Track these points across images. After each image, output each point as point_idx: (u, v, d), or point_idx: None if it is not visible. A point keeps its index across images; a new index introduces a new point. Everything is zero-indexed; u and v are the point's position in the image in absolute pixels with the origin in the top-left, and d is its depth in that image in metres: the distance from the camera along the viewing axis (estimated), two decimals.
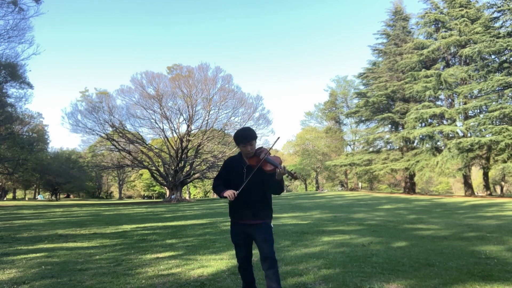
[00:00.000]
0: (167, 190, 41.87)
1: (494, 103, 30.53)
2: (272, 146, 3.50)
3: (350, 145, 54.26)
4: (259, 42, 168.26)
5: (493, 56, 32.51)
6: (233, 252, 6.25)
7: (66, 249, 6.97)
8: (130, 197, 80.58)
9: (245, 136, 3.27)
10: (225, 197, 3.17)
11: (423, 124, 35.91)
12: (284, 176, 3.21)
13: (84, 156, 59.40)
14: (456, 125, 34.02)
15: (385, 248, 6.62)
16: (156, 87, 37.84)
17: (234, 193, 3.13)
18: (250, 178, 3.17)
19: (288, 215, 14.35)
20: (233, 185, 3.28)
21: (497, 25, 32.94)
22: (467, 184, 34.44)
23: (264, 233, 3.24)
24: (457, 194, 48.84)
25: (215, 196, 73.33)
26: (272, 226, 3.38)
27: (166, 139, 39.60)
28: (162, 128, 39.14)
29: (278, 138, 3.64)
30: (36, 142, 46.36)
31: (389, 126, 42.51)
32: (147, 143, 41.22)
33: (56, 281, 4.46)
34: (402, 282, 4.24)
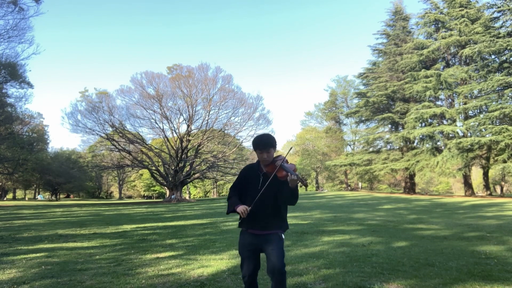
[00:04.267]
0: (167, 190, 41.86)
1: (494, 103, 30.52)
2: (287, 154, 3.40)
3: (350, 145, 54.25)
4: (259, 42, 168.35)
5: (493, 56, 32.50)
6: (233, 252, 6.28)
7: (66, 249, 6.97)
8: (130, 197, 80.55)
9: (264, 143, 3.11)
10: (237, 213, 3.06)
11: (423, 124, 35.90)
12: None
13: (84, 156, 59.41)
14: (456, 125, 34.01)
15: (385, 248, 6.62)
16: (156, 87, 37.88)
17: (247, 209, 3.01)
18: (265, 188, 3.04)
19: (288, 215, 14.32)
20: (249, 193, 3.17)
21: (497, 25, 32.94)
22: (467, 184, 34.44)
23: (273, 245, 3.08)
24: (457, 194, 48.84)
25: (215, 196, 73.38)
26: (283, 237, 3.23)
27: (166, 139, 39.60)
28: (162, 128, 39.21)
29: (291, 148, 3.61)
30: (36, 142, 46.32)
31: (389, 126, 42.50)
32: (147, 143, 41.21)
33: (56, 281, 4.46)
34: (402, 282, 4.24)
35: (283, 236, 3.22)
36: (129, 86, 38.14)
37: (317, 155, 60.12)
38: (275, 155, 3.25)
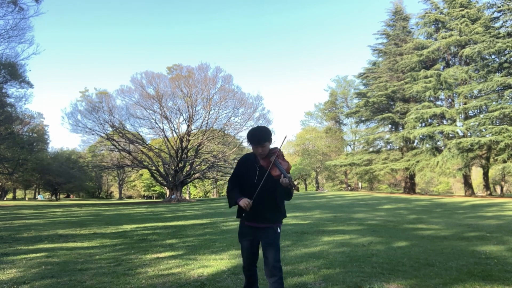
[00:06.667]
0: (167, 190, 41.86)
1: (494, 103, 30.53)
2: (281, 146, 3.33)
3: (350, 145, 54.25)
4: (259, 42, 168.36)
5: (493, 56, 32.50)
6: (233, 252, 6.28)
7: (66, 249, 6.97)
8: (130, 197, 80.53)
9: (257, 137, 3.08)
10: (240, 206, 3.05)
11: (423, 124, 35.90)
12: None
13: (84, 156, 59.37)
14: (456, 125, 34.02)
15: (385, 248, 6.62)
16: (156, 87, 37.86)
17: (250, 203, 2.98)
18: (262, 183, 3.01)
19: (288, 215, 14.29)
20: (246, 185, 3.15)
21: (497, 25, 32.94)
22: (467, 184, 34.44)
23: (269, 239, 3.09)
24: (457, 194, 48.83)
25: (215, 196, 73.33)
26: (279, 231, 3.20)
27: (166, 139, 39.59)
28: (162, 128, 39.19)
29: (285, 137, 3.49)
30: (36, 142, 46.33)
31: (389, 126, 42.50)
32: (147, 143, 41.21)
33: (56, 281, 4.46)
34: (402, 282, 4.24)
35: (279, 230, 3.21)
36: (129, 86, 38.16)
37: (317, 155, 60.11)
38: (273, 146, 3.20)
